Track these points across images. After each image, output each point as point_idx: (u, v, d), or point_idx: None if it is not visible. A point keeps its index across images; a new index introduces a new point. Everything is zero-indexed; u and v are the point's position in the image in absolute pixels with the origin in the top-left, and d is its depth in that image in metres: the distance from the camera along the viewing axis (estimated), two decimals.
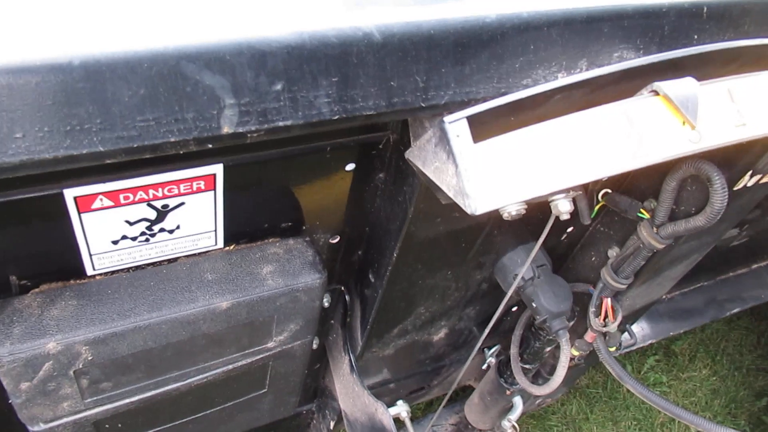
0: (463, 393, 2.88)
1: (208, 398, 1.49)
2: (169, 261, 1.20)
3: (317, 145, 1.09)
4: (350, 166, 1.19)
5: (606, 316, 1.78)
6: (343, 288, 1.52)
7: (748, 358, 4.03)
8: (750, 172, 1.39)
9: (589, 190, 1.63)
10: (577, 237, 1.87)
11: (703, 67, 0.90)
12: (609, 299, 1.75)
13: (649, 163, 0.77)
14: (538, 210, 1.57)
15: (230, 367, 1.32)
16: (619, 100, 0.78)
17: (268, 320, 1.26)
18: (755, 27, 0.92)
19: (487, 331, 2.20)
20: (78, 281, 1.14)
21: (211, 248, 1.22)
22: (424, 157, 0.80)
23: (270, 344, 1.33)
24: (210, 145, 0.71)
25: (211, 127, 0.69)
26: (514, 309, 2.11)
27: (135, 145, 0.68)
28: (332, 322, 1.64)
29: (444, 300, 1.85)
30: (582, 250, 1.87)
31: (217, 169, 1.06)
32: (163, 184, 1.00)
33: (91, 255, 1.09)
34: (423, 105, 0.74)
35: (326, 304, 1.52)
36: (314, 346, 1.70)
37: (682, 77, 0.84)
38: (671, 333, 2.72)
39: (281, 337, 1.32)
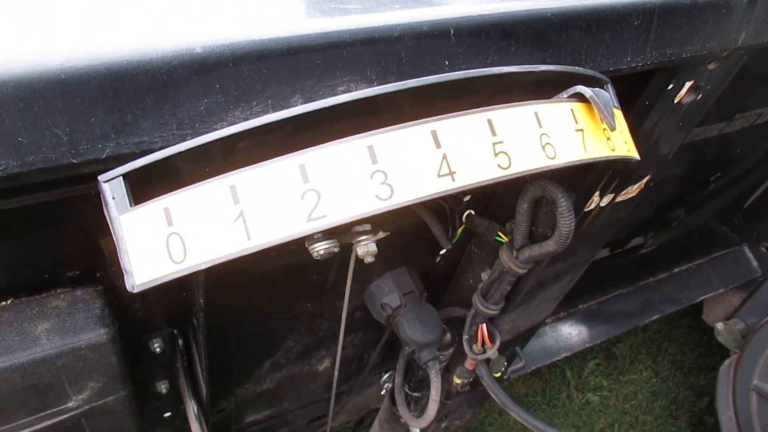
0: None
1: None
2: None
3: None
4: None
5: (484, 343, 1.67)
6: (175, 331, 1.40)
7: (690, 357, 3.97)
8: (597, 193, 1.28)
9: (450, 211, 1.52)
10: (455, 258, 1.75)
11: (461, 97, 0.78)
12: (484, 325, 1.64)
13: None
14: (399, 235, 1.44)
15: (27, 431, 1.19)
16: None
17: (55, 381, 1.13)
18: (521, 48, 0.81)
19: (371, 361, 2.09)
20: None
21: None
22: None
23: (71, 404, 1.20)
24: None
25: None
26: None
27: None
28: (178, 365, 1.51)
29: (313, 332, 1.72)
30: (461, 272, 1.76)
31: None
32: None
33: None
34: (75, 161, 0.62)
35: (158, 350, 1.39)
36: (163, 391, 1.57)
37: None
38: (599, 339, 2.66)
39: (83, 395, 1.19)
